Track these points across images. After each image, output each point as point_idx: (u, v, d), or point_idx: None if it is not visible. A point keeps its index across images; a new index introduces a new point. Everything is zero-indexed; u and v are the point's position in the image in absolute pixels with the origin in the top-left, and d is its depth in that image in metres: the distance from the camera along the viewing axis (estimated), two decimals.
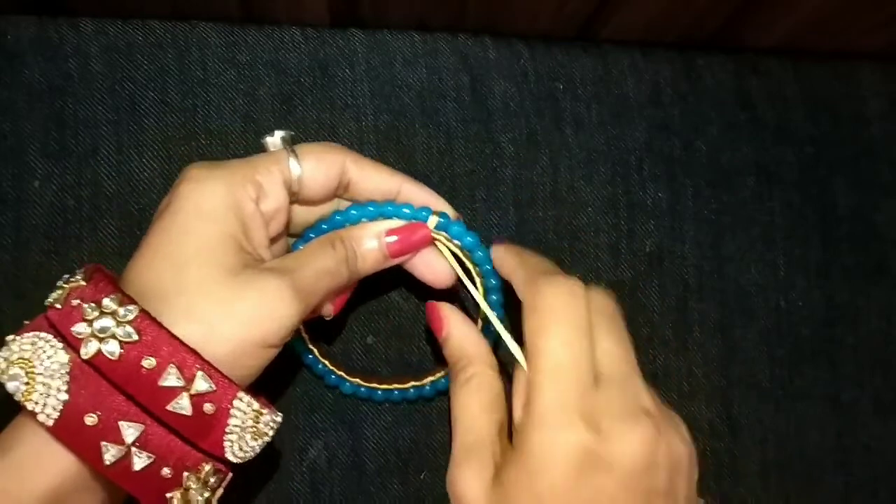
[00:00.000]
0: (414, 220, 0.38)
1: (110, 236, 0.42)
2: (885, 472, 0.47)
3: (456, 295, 0.43)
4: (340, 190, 0.39)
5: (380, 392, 0.42)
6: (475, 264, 0.40)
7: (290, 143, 0.38)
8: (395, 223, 0.38)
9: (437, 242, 0.39)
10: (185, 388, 0.31)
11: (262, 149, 0.39)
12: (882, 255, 0.49)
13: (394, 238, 0.38)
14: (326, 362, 0.42)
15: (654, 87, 0.47)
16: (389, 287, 0.44)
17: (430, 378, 0.42)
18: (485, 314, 0.39)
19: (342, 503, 0.42)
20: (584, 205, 0.46)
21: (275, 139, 0.38)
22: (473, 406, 0.36)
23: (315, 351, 0.41)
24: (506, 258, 0.38)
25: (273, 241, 0.38)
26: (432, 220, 0.38)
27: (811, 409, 0.47)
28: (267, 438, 0.34)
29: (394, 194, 0.39)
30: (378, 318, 0.44)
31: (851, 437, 0.47)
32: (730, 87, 0.49)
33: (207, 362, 0.31)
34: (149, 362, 0.31)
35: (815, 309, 0.48)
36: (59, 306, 0.32)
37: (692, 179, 0.47)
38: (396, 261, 0.39)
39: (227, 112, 0.43)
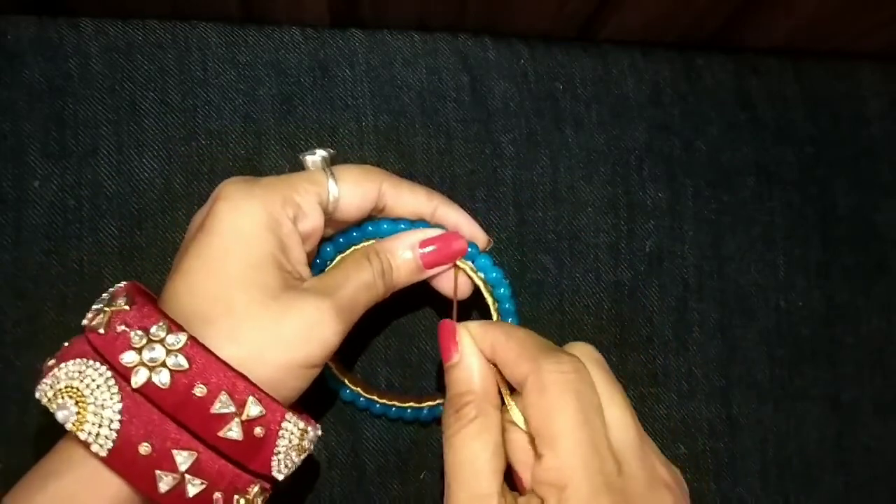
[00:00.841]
0: (467, 256, 0.39)
1: (110, 236, 0.42)
2: (885, 472, 0.47)
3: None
4: (375, 212, 0.39)
5: (378, 406, 0.42)
6: (495, 300, 0.39)
7: (329, 164, 0.38)
8: (430, 232, 0.38)
9: (461, 270, 0.39)
10: (237, 414, 0.31)
11: (292, 163, 0.40)
12: (882, 255, 0.49)
13: (429, 248, 0.38)
14: (332, 366, 0.41)
15: (654, 87, 0.47)
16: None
17: (430, 402, 0.41)
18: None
19: (342, 503, 0.42)
20: (583, 205, 0.46)
21: (315, 158, 0.38)
22: (478, 451, 0.33)
23: (344, 380, 0.41)
24: (490, 334, 0.35)
25: (310, 257, 0.38)
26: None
27: (811, 409, 0.47)
28: (308, 453, 0.35)
29: (430, 216, 0.39)
30: (377, 317, 0.43)
31: (851, 437, 0.47)
32: (730, 87, 0.49)
33: (257, 387, 0.32)
34: (200, 390, 0.31)
35: (815, 309, 0.48)
36: (102, 331, 0.32)
37: (692, 179, 0.47)
38: (431, 272, 0.38)
39: (227, 112, 0.43)
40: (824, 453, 0.47)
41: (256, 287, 0.33)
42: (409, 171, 0.44)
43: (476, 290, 0.40)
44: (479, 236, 0.40)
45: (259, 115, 0.43)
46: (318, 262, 0.39)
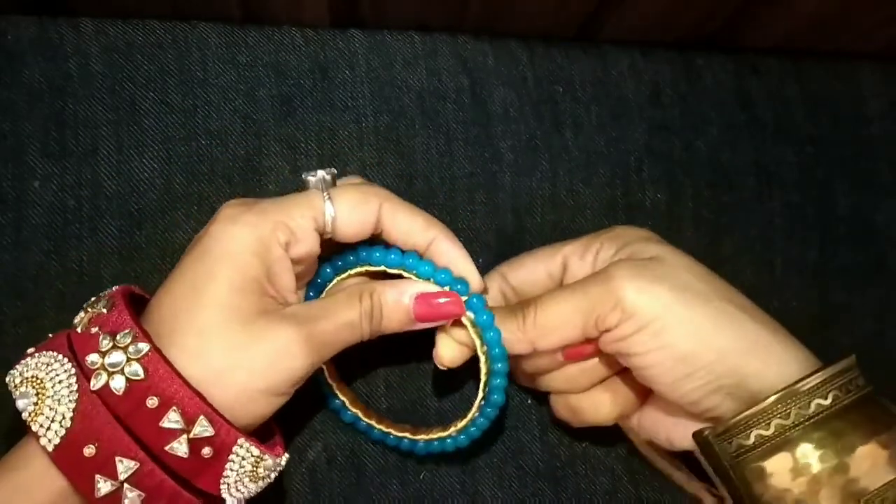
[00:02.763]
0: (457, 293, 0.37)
1: (110, 236, 0.42)
2: None
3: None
4: (375, 233, 0.38)
5: (376, 431, 0.41)
6: (483, 343, 0.38)
7: (331, 185, 0.37)
8: (429, 287, 0.37)
9: (462, 327, 0.38)
10: (185, 431, 0.31)
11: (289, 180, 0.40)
12: (881, 255, 0.49)
13: (426, 304, 0.37)
14: (347, 403, 0.41)
15: (654, 88, 0.47)
16: None
17: (424, 437, 0.41)
18: (485, 392, 0.39)
19: (342, 503, 0.42)
20: (582, 208, 0.46)
21: (315, 179, 0.37)
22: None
23: (344, 400, 0.41)
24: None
25: (302, 285, 0.38)
26: (462, 298, 0.37)
27: None
28: (267, 481, 0.35)
29: (424, 246, 0.38)
30: None
31: None
32: (730, 87, 0.49)
33: (210, 406, 0.32)
34: (152, 401, 0.31)
35: (810, 309, 0.48)
36: (80, 330, 0.33)
37: (692, 180, 0.47)
38: (421, 326, 0.38)
39: (227, 113, 0.43)
40: None
41: (231, 309, 0.33)
42: (408, 171, 0.44)
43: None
44: (474, 279, 0.38)
45: (259, 116, 0.43)
46: (318, 282, 0.39)
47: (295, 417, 0.42)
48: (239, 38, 0.44)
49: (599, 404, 0.40)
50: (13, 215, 0.41)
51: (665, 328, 0.35)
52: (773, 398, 0.34)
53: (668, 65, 0.48)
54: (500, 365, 0.38)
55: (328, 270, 0.38)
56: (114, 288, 0.36)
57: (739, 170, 0.48)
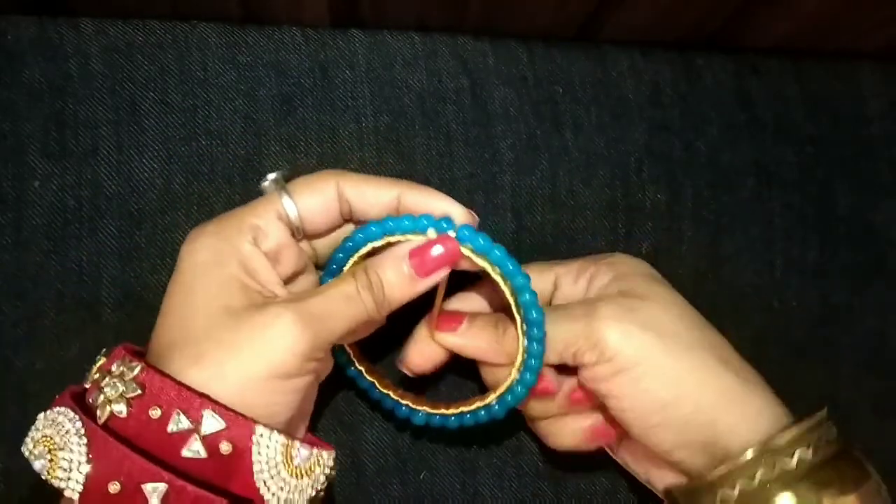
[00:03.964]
0: (441, 230, 0.36)
1: (110, 236, 0.42)
2: (884, 473, 0.47)
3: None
4: (345, 214, 0.38)
5: (403, 408, 0.41)
6: (505, 279, 0.36)
7: (284, 181, 0.38)
8: (415, 241, 0.36)
9: (466, 259, 0.36)
10: (195, 430, 0.31)
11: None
12: (881, 255, 0.49)
13: (421, 257, 0.36)
14: (363, 372, 0.40)
15: (654, 88, 0.47)
16: None
17: (444, 410, 0.40)
18: (523, 327, 0.37)
19: (342, 503, 0.42)
20: (582, 208, 0.46)
21: (269, 182, 0.38)
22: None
23: (359, 366, 0.40)
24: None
25: (293, 277, 0.38)
26: (450, 234, 0.36)
27: (811, 409, 0.47)
28: (313, 478, 0.33)
29: (395, 204, 0.37)
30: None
31: (850, 437, 0.47)
32: (730, 87, 0.49)
33: (214, 401, 0.31)
34: (155, 412, 0.31)
35: (811, 309, 0.48)
36: (87, 385, 0.33)
37: (692, 180, 0.47)
38: (428, 282, 0.36)
39: (227, 112, 0.43)
40: None
41: (217, 310, 0.33)
42: (408, 172, 0.44)
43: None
44: (456, 211, 0.37)
45: (259, 116, 0.43)
46: (333, 268, 0.38)
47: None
48: (239, 38, 0.44)
49: (569, 433, 0.40)
50: (13, 215, 0.41)
51: (645, 376, 0.36)
52: (744, 458, 0.34)
53: (668, 65, 0.48)
54: (519, 279, 0.36)
55: (340, 255, 0.38)
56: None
57: (739, 170, 0.48)
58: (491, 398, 0.39)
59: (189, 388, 0.31)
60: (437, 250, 0.36)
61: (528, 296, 0.36)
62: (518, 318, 0.37)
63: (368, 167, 0.44)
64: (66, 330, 0.41)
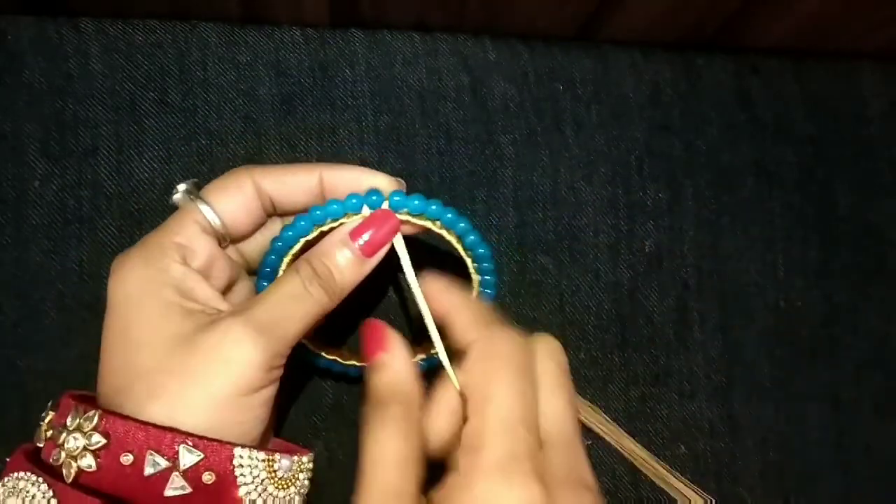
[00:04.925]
0: (371, 208, 0.35)
1: (110, 236, 0.42)
2: (885, 472, 0.47)
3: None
4: (268, 209, 0.37)
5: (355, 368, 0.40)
6: (448, 229, 0.36)
7: (195, 191, 0.36)
8: (353, 221, 0.35)
9: (406, 224, 0.36)
10: (173, 467, 0.30)
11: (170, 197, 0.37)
12: (881, 255, 0.49)
13: (363, 237, 0.35)
14: (320, 351, 0.39)
15: (654, 88, 0.47)
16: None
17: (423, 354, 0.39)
18: (474, 265, 0.37)
19: (342, 503, 0.42)
20: (583, 205, 0.46)
21: (180, 194, 0.36)
22: (404, 449, 0.30)
23: (318, 351, 0.39)
24: (446, 295, 0.34)
25: (228, 288, 0.36)
26: (385, 205, 0.35)
27: (811, 409, 0.47)
28: (298, 484, 0.33)
29: (318, 189, 0.36)
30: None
31: (851, 437, 0.47)
32: (730, 87, 0.49)
33: (186, 433, 0.30)
34: (126, 458, 0.29)
35: (814, 309, 0.48)
36: (41, 444, 0.32)
37: (692, 179, 0.47)
38: (375, 259, 0.35)
39: (227, 112, 0.43)
40: (824, 453, 0.47)
41: (162, 340, 0.32)
42: (408, 170, 0.44)
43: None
44: (380, 182, 0.36)
45: (259, 115, 0.43)
46: (267, 271, 0.37)
47: (295, 417, 0.42)
48: (239, 38, 0.44)
49: None
50: (13, 215, 0.41)
51: None
52: None
53: (668, 65, 0.48)
54: (461, 224, 0.36)
55: (271, 257, 0.36)
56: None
57: (739, 169, 0.48)
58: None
59: (156, 426, 0.30)
60: (377, 224, 0.35)
61: (472, 237, 0.36)
62: (468, 259, 0.37)
63: (369, 166, 0.44)
64: (67, 330, 0.41)
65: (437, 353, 0.35)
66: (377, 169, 0.43)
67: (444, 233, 0.36)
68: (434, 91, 0.45)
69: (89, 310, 0.41)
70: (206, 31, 0.44)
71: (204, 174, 0.43)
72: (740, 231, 0.47)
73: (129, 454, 0.29)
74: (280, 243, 0.36)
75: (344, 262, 0.35)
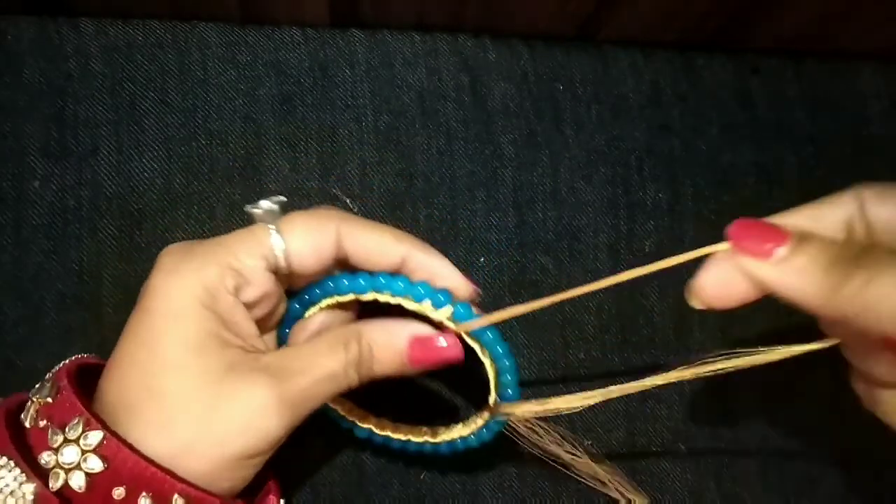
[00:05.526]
0: (433, 306, 0.34)
1: (110, 236, 0.42)
2: (885, 473, 0.47)
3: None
4: (339, 260, 0.35)
5: (394, 441, 0.39)
6: (493, 360, 0.35)
7: (279, 215, 0.34)
8: (423, 328, 0.34)
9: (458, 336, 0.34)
10: None
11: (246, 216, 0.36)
12: None
13: (422, 347, 0.33)
14: (357, 422, 0.39)
15: (654, 87, 0.47)
16: None
17: (445, 437, 0.38)
18: (497, 391, 0.36)
19: (342, 503, 0.42)
20: (583, 205, 0.46)
21: (262, 212, 0.34)
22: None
23: (353, 420, 0.39)
24: None
25: (265, 323, 0.35)
26: (446, 310, 0.34)
27: (811, 409, 0.47)
28: None
29: (398, 263, 0.34)
30: None
31: (851, 436, 0.47)
32: (730, 87, 0.49)
33: (185, 482, 0.29)
34: (119, 492, 0.28)
35: None
36: (28, 425, 0.30)
37: (692, 179, 0.47)
38: (415, 371, 0.34)
39: (227, 112, 0.43)
40: (824, 453, 0.47)
41: (194, 371, 0.30)
42: (408, 170, 0.44)
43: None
44: (460, 285, 0.35)
45: (259, 115, 0.43)
46: (289, 318, 0.36)
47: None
48: (239, 38, 0.44)
49: None
50: (13, 215, 0.41)
51: None
52: None
53: (668, 65, 0.48)
54: (505, 362, 0.35)
55: (296, 306, 0.36)
56: (61, 365, 0.33)
57: (740, 169, 0.48)
58: (467, 430, 0.38)
59: (157, 467, 0.29)
60: (441, 348, 0.33)
61: (508, 377, 0.35)
62: (493, 389, 0.36)
63: (369, 166, 0.44)
64: (68, 330, 0.41)
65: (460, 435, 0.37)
66: (377, 168, 0.44)
67: (486, 360, 0.35)
68: (434, 91, 0.45)
69: (90, 310, 0.41)
70: (206, 31, 0.44)
71: (204, 174, 0.43)
72: None
73: (122, 488, 0.28)
74: (332, 284, 0.35)
75: (388, 359, 0.33)
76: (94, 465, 0.28)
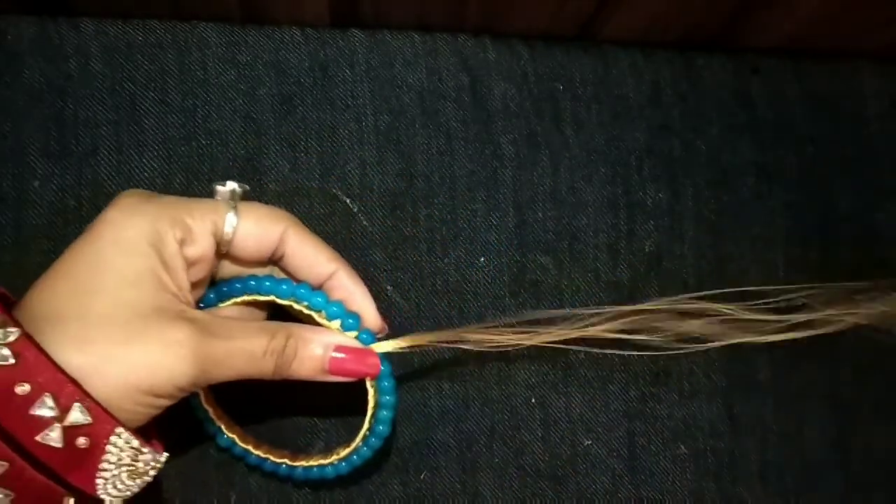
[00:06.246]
0: (341, 327, 0.37)
1: None
2: (885, 473, 0.47)
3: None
4: (275, 258, 0.37)
5: (252, 457, 0.40)
6: (377, 392, 0.38)
7: (238, 198, 0.37)
8: (348, 340, 0.36)
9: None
10: (59, 419, 0.29)
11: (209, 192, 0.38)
12: (882, 256, 0.49)
13: (341, 356, 0.36)
14: (223, 428, 0.40)
15: (654, 88, 0.47)
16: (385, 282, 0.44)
17: (303, 463, 0.40)
18: (371, 423, 0.38)
19: (342, 503, 0.42)
20: (583, 205, 0.46)
21: (224, 189, 0.37)
22: None
23: (220, 425, 0.39)
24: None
25: (193, 286, 0.36)
26: (352, 334, 0.37)
27: (811, 409, 0.47)
28: (147, 479, 0.33)
29: (325, 277, 0.38)
30: None
31: (851, 437, 0.47)
32: (730, 87, 0.49)
33: (88, 395, 0.30)
34: (22, 388, 0.29)
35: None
36: None
37: (692, 179, 0.47)
38: (332, 379, 0.37)
39: (227, 112, 0.43)
40: (824, 453, 0.47)
41: (125, 301, 0.31)
42: (408, 170, 0.44)
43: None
44: (370, 316, 0.38)
45: (259, 115, 0.43)
46: (200, 306, 0.37)
47: (295, 416, 0.42)
48: (239, 38, 0.44)
49: None
50: (13, 215, 0.41)
51: None
52: None
53: (668, 65, 0.48)
54: (388, 398, 0.38)
55: (212, 296, 0.37)
56: None
57: (740, 169, 0.48)
58: (332, 458, 0.39)
59: (65, 374, 0.30)
60: (362, 364, 0.36)
61: (385, 412, 0.38)
62: (367, 421, 0.38)
63: (369, 166, 0.44)
64: None
65: (320, 463, 0.39)
66: (377, 168, 0.44)
67: (371, 391, 0.38)
68: (434, 91, 0.45)
69: None
70: (206, 31, 0.44)
71: (204, 174, 0.43)
72: (740, 231, 0.47)
73: (26, 385, 0.29)
74: (253, 282, 0.37)
75: (311, 361, 0.36)
76: (4, 356, 0.29)
